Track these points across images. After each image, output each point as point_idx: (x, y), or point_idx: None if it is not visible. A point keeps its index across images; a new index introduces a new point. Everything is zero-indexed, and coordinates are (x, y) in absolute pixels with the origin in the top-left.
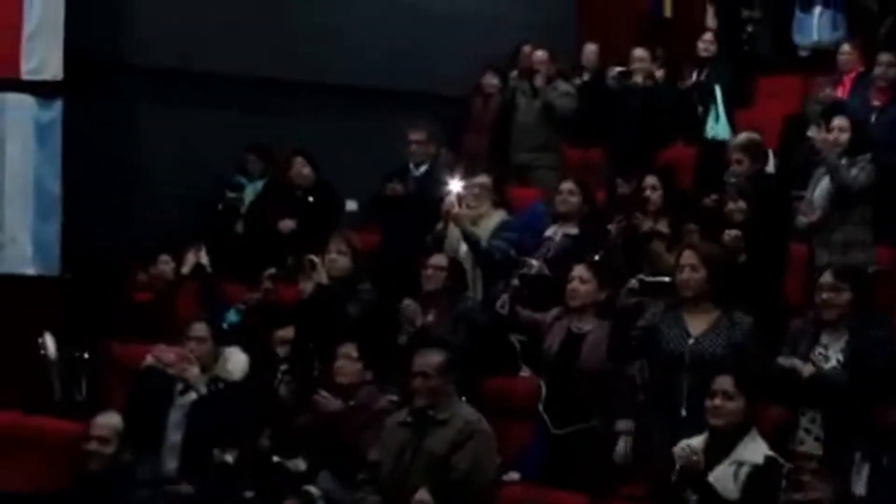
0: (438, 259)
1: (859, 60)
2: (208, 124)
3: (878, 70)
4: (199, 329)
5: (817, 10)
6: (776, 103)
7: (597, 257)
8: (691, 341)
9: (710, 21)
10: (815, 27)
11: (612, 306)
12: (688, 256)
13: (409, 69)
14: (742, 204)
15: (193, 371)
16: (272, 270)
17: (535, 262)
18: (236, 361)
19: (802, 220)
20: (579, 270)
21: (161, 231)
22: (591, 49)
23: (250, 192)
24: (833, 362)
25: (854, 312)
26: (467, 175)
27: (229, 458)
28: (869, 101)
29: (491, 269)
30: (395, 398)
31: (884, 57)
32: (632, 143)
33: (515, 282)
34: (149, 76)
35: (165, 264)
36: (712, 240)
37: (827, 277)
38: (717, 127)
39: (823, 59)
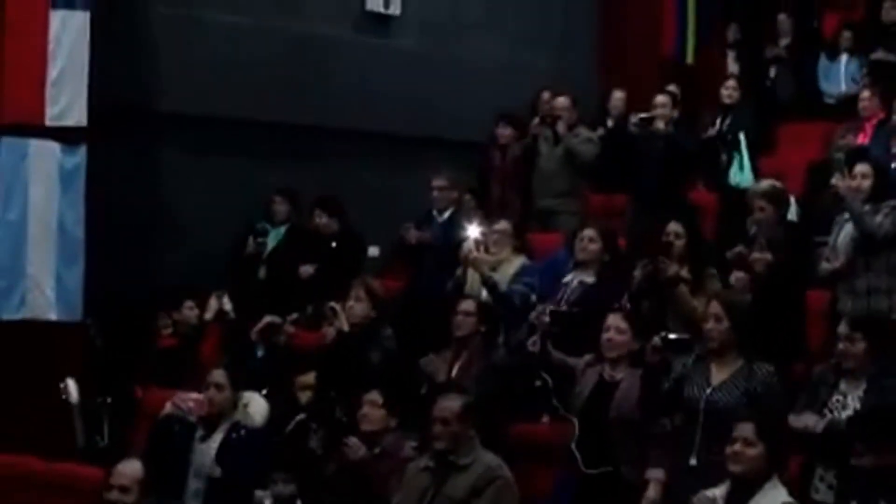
0: (467, 305)
1: (880, 107)
2: (232, 170)
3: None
4: (219, 376)
5: (843, 58)
6: (799, 150)
7: (628, 305)
8: (708, 391)
9: (732, 66)
10: (842, 76)
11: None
12: (713, 307)
13: (433, 116)
14: (769, 255)
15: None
16: (294, 316)
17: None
18: (257, 407)
19: (826, 266)
20: (615, 320)
21: (185, 277)
22: (618, 96)
23: (273, 237)
24: (850, 410)
25: (873, 360)
26: (489, 221)
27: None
28: (890, 148)
29: (510, 314)
30: (415, 444)
31: None
32: (654, 190)
33: (546, 318)
34: (173, 122)
35: (189, 310)
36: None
37: (842, 328)
38: (742, 175)
39: (849, 106)
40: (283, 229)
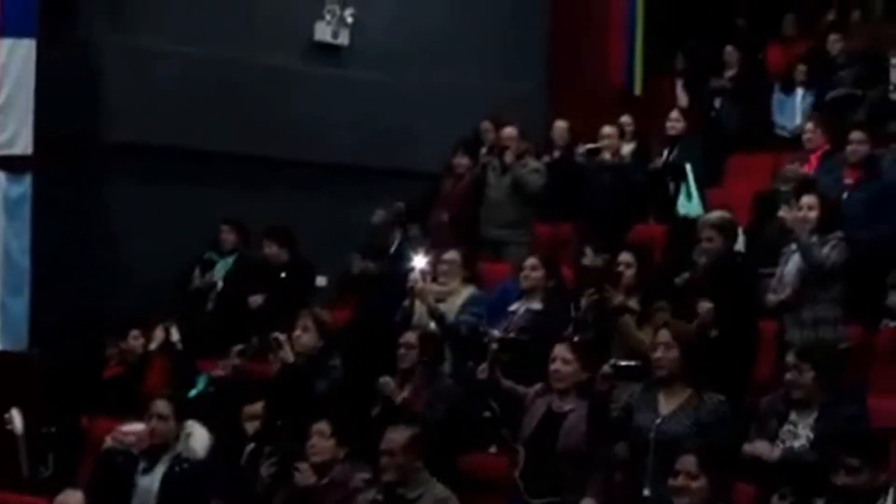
0: (409, 337)
1: (824, 139)
2: (180, 200)
3: (850, 148)
4: (162, 406)
5: (799, 92)
6: (747, 181)
7: (574, 336)
8: (658, 421)
9: (680, 96)
10: (797, 109)
11: (593, 386)
12: (662, 335)
13: (383, 146)
14: (708, 304)
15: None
16: (239, 347)
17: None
18: (199, 438)
19: (772, 297)
20: (561, 351)
21: (132, 306)
22: (560, 126)
23: (221, 268)
24: (803, 440)
25: (822, 390)
26: (437, 251)
27: None
28: (841, 179)
29: (458, 345)
30: (367, 476)
31: (856, 135)
32: (602, 220)
33: (494, 346)
34: (120, 151)
35: (135, 340)
36: (684, 318)
37: (790, 358)
38: (689, 205)
39: (800, 140)
40: (231, 259)
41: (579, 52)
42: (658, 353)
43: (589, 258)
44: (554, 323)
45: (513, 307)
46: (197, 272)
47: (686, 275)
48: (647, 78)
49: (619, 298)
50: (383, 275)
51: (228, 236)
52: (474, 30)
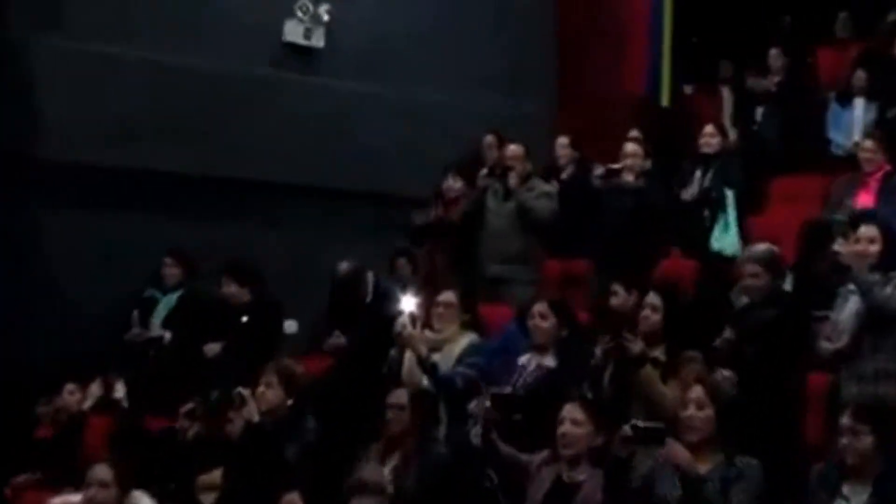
0: (399, 396)
1: (885, 159)
2: (122, 228)
3: None
4: (102, 472)
5: (859, 103)
6: (793, 208)
7: (588, 392)
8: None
9: (727, 105)
10: (855, 125)
11: (608, 452)
12: (695, 392)
13: (364, 166)
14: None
15: None
16: (190, 406)
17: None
18: None
19: (827, 346)
20: (571, 411)
21: (66, 355)
22: (562, 142)
23: (163, 308)
24: None
25: (882, 457)
26: (429, 291)
27: None
28: None
29: (454, 402)
30: None
31: None
32: (623, 253)
33: (487, 404)
34: (54, 171)
35: (70, 395)
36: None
37: (846, 419)
38: (725, 238)
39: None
40: (174, 297)
41: (595, 57)
42: (689, 412)
43: (620, 297)
44: (570, 381)
45: (522, 359)
46: (135, 315)
47: (727, 334)
48: (676, 87)
49: (639, 346)
50: (365, 317)
51: (172, 270)
52: (471, 36)
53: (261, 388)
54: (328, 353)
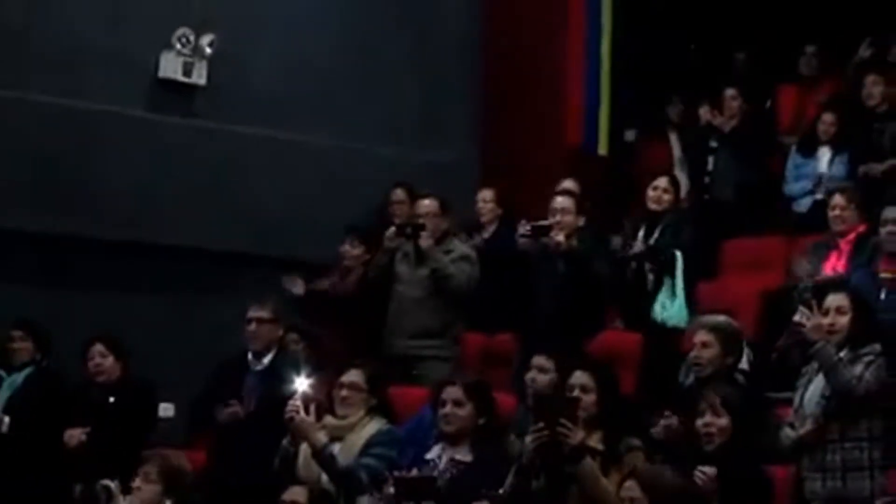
0: (294, 494)
1: (860, 217)
2: None
3: (884, 231)
4: None
5: (824, 153)
6: (750, 275)
7: (501, 491)
8: None
9: (675, 152)
10: (822, 177)
11: None
12: (629, 488)
13: (251, 225)
14: (724, 421)
15: None
16: None
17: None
18: None
19: (789, 433)
20: None
21: None
22: (486, 196)
23: (7, 387)
24: None
25: None
26: (328, 371)
27: None
28: (875, 272)
29: (355, 497)
30: None
31: (890, 212)
32: (553, 326)
33: (391, 490)
34: None
35: None
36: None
37: None
38: (672, 308)
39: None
40: (21, 376)
41: (524, 102)
42: None
43: (549, 375)
44: (488, 478)
45: (431, 454)
46: None
47: (670, 418)
48: (615, 134)
49: (578, 435)
50: (250, 402)
51: (22, 345)
52: (381, 76)
53: (137, 482)
54: (222, 423)
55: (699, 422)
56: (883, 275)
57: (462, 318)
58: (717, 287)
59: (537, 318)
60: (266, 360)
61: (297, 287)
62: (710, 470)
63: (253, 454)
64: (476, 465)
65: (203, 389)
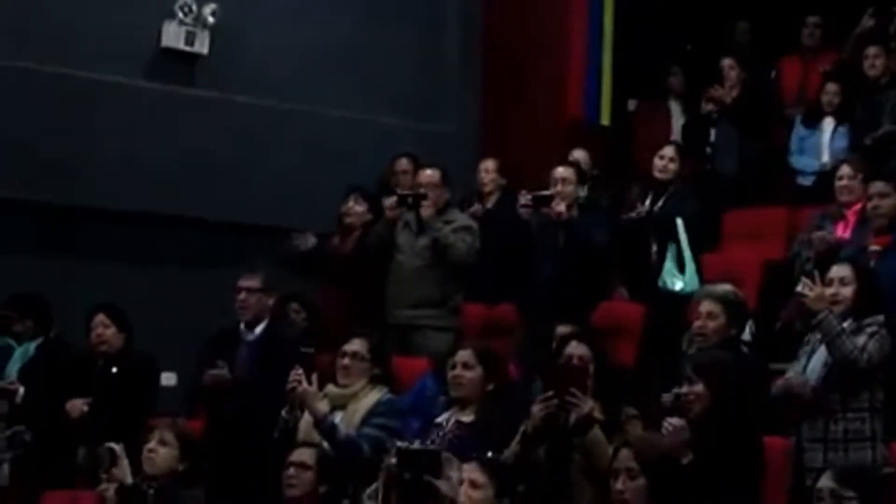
0: (303, 455)
1: (864, 189)
2: None
3: (871, 204)
4: None
5: (828, 124)
6: (752, 246)
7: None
8: None
9: (676, 124)
10: (824, 147)
11: None
12: (624, 458)
13: (251, 195)
14: (699, 387)
15: None
16: None
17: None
18: None
19: (778, 383)
20: (471, 471)
21: None
22: (488, 166)
23: (19, 356)
24: None
25: None
26: (330, 340)
27: None
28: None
29: (360, 470)
30: None
31: (878, 186)
32: (554, 298)
33: (392, 461)
34: None
35: None
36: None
37: (826, 482)
38: (679, 274)
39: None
40: (32, 345)
41: (524, 75)
42: (618, 485)
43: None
44: (489, 441)
45: (440, 418)
46: None
47: (680, 389)
48: (618, 104)
49: (587, 405)
50: (242, 374)
51: (22, 324)
52: (385, 48)
53: (152, 444)
54: (207, 385)
55: (680, 390)
56: (872, 247)
57: (462, 289)
58: (719, 258)
59: (538, 289)
60: (258, 330)
61: (309, 242)
62: (676, 421)
63: (248, 421)
64: (476, 425)
65: (195, 363)
